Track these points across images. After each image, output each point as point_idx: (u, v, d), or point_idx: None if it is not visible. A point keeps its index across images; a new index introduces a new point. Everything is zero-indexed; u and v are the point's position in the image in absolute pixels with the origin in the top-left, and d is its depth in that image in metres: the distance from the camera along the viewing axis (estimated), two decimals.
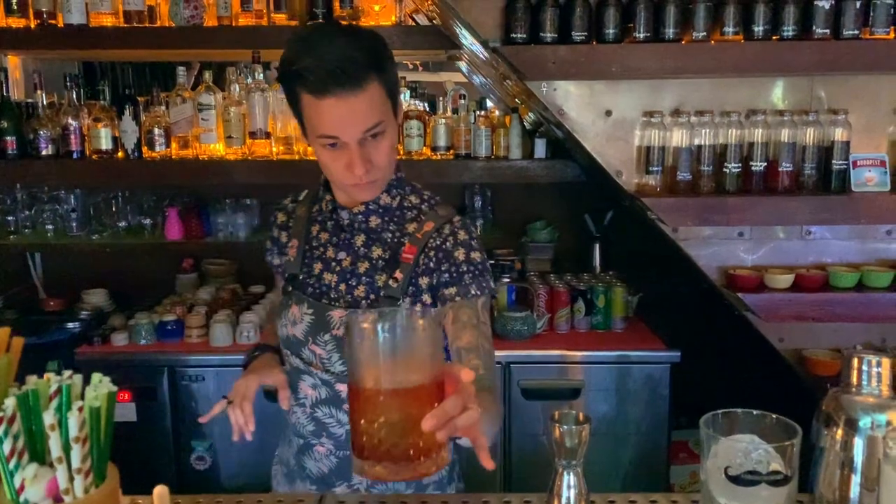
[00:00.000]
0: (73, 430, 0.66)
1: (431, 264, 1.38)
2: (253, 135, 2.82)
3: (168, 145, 2.85)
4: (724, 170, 2.27)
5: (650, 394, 2.61)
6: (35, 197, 3.07)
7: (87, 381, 0.74)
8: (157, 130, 2.83)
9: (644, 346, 2.64)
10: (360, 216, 1.42)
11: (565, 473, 0.98)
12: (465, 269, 1.37)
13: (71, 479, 0.68)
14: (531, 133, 2.99)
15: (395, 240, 1.42)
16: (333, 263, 1.44)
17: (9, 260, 3.18)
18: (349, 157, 1.27)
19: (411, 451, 0.84)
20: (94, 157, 2.84)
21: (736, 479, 0.87)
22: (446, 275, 1.37)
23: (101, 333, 2.70)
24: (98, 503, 0.71)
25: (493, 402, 1.19)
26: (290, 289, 1.47)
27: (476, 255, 1.40)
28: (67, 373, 0.70)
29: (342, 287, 1.42)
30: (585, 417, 1.00)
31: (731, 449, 0.88)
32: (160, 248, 3.07)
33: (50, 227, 3.05)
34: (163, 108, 2.85)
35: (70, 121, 2.83)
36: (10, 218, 3.06)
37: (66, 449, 0.66)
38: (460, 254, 1.38)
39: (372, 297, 1.40)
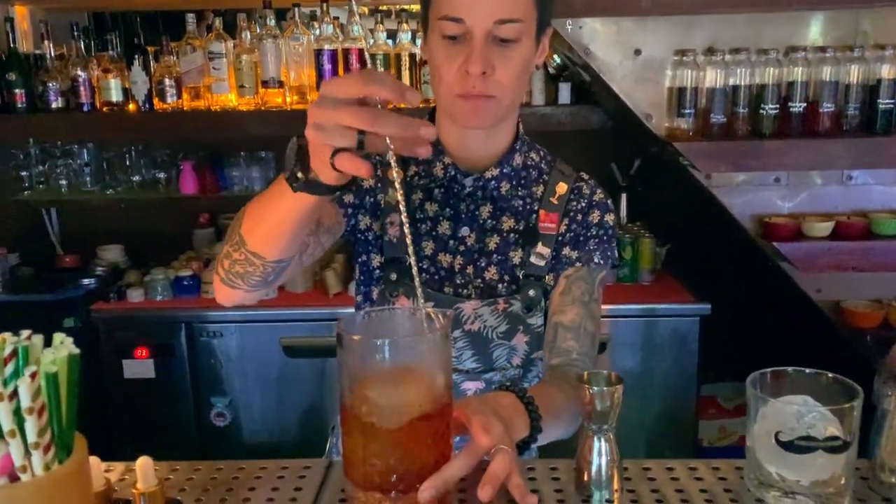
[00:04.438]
0: (26, 400, 0.59)
1: (574, 230, 1.20)
2: (265, 84, 2.72)
3: (179, 96, 2.77)
4: (761, 111, 2.17)
5: (678, 348, 2.53)
6: (47, 152, 3.02)
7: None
8: (167, 81, 2.74)
9: (672, 299, 2.55)
10: (492, 182, 1.17)
11: (595, 439, 0.89)
12: (594, 232, 1.20)
13: (28, 454, 0.61)
14: (555, 78, 2.86)
15: (527, 207, 1.20)
16: (452, 241, 1.18)
17: (24, 216, 3.14)
18: (468, 55, 1.02)
19: (410, 485, 0.74)
20: (105, 109, 2.77)
21: (788, 446, 0.78)
22: (570, 234, 1.20)
23: (116, 290, 2.66)
24: (62, 480, 0.63)
25: (564, 402, 1.04)
26: (395, 277, 1.18)
27: (610, 218, 1.21)
28: (25, 333, 0.62)
29: (469, 270, 1.18)
30: (618, 378, 0.91)
31: (781, 412, 0.80)
32: (175, 202, 3.01)
33: (64, 182, 3.00)
34: (173, 57, 2.76)
35: (79, 72, 2.75)
36: (24, 173, 3.01)
37: (20, 421, 0.59)
38: (595, 216, 1.20)
39: (507, 279, 1.18)
